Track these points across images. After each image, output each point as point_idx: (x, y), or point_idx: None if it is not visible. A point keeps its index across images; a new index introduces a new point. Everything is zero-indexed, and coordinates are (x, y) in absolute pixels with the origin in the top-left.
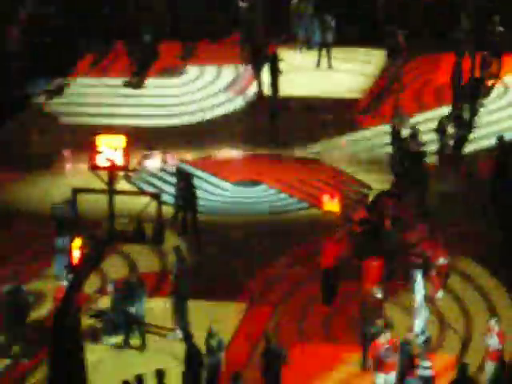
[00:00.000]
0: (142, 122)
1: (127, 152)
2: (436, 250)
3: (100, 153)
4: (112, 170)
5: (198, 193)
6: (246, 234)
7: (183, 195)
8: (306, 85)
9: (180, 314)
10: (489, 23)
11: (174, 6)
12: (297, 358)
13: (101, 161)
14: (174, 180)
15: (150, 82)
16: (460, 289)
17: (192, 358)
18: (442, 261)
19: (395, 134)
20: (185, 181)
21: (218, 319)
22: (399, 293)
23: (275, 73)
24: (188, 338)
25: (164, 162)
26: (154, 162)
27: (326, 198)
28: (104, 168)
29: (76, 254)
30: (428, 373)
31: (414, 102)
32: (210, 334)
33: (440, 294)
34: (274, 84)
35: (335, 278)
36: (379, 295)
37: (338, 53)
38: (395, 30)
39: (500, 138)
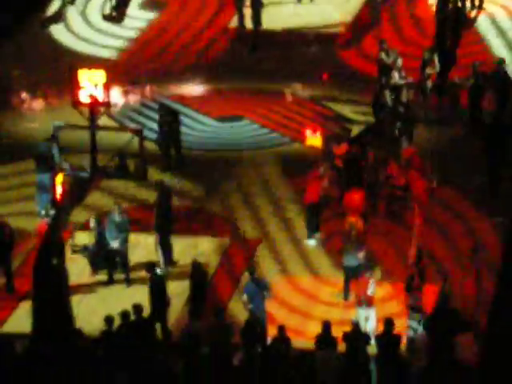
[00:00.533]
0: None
1: (108, 87)
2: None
3: (82, 88)
4: (93, 106)
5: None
6: (228, 170)
7: (166, 130)
8: (287, 18)
9: (164, 249)
10: None
11: None
12: (280, 290)
13: (83, 97)
14: (156, 115)
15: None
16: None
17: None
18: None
19: (381, 68)
20: (168, 116)
21: (201, 253)
22: (381, 226)
23: (257, 6)
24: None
25: (146, 96)
26: (135, 96)
27: (308, 133)
28: (86, 104)
29: (59, 190)
30: None
31: (396, 35)
32: (195, 267)
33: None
34: (256, 17)
35: (319, 213)
36: (361, 227)
37: None
38: None
39: (474, 67)
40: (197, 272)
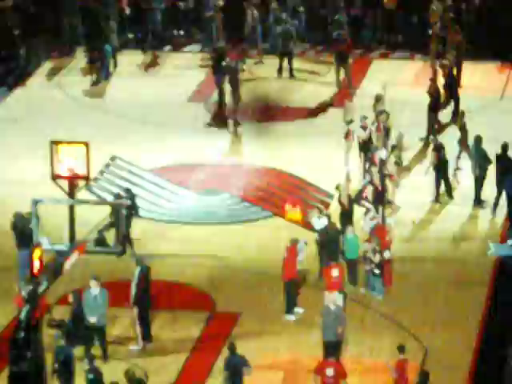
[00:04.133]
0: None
1: (88, 161)
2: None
3: (61, 162)
4: (73, 179)
5: (161, 202)
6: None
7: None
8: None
9: (142, 324)
10: None
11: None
12: (259, 368)
13: (62, 170)
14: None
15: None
16: None
17: None
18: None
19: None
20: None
21: (180, 328)
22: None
23: (235, 81)
24: None
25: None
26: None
27: (288, 207)
28: (65, 177)
29: (36, 265)
30: None
31: None
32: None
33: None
34: (235, 93)
35: (297, 288)
36: (341, 303)
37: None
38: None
39: None
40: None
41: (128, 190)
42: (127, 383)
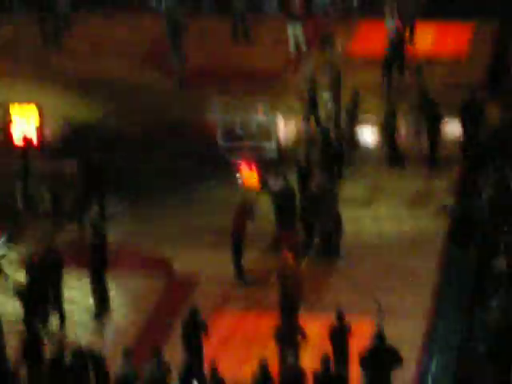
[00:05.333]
0: None
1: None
2: None
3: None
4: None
5: None
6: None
7: None
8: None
9: (97, 289)
10: None
11: None
12: (218, 328)
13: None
14: None
15: None
16: None
17: None
18: None
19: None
20: None
21: (138, 295)
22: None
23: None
24: None
25: None
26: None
27: (244, 169)
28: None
29: None
30: None
31: None
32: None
33: None
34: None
35: (242, 246)
36: (296, 266)
37: None
38: None
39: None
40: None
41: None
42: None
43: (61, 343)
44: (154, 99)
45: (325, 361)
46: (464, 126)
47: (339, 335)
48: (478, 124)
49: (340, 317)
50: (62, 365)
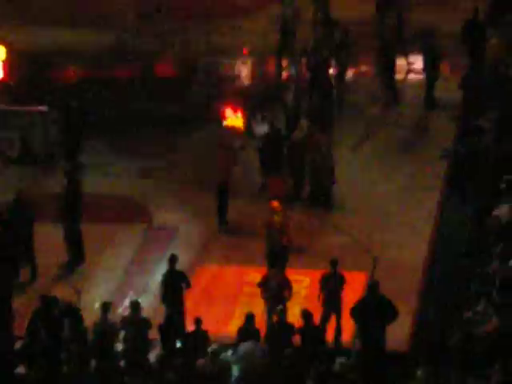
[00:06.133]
0: None
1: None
2: None
3: None
4: None
5: None
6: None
7: None
8: None
9: (72, 240)
10: None
11: None
12: (199, 281)
13: None
14: None
15: None
16: None
17: None
18: None
19: None
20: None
21: (117, 243)
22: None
23: None
24: None
25: None
26: None
27: (228, 113)
28: None
29: None
30: None
31: None
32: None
33: None
34: None
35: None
36: (284, 213)
37: None
38: None
39: None
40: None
41: None
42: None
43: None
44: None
45: (304, 316)
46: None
47: (332, 283)
48: (480, 47)
49: (334, 264)
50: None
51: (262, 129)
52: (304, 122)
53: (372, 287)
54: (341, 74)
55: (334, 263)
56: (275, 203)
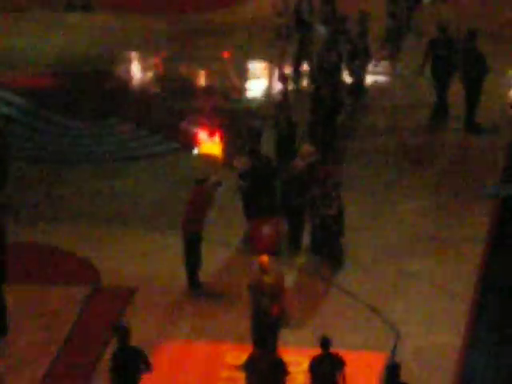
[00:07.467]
0: None
1: None
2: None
3: None
4: None
5: None
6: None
7: None
8: None
9: None
10: None
11: None
12: (160, 358)
13: None
14: None
15: None
16: None
17: None
18: None
19: None
20: None
21: (50, 310)
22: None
23: None
24: None
25: None
26: None
27: (203, 137)
28: None
29: None
30: None
31: None
32: None
33: None
34: None
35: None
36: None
37: None
38: None
39: None
40: None
41: None
42: None
43: None
44: None
45: None
46: None
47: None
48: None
49: (325, 345)
50: None
51: (246, 158)
52: (307, 147)
53: (391, 370)
54: (355, 86)
55: (325, 344)
56: (264, 259)
